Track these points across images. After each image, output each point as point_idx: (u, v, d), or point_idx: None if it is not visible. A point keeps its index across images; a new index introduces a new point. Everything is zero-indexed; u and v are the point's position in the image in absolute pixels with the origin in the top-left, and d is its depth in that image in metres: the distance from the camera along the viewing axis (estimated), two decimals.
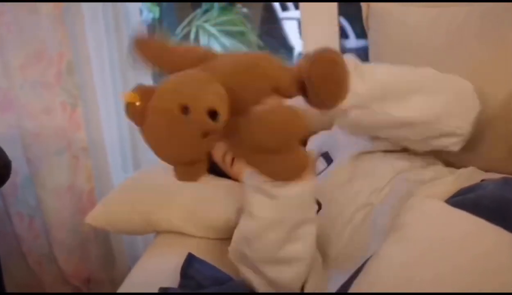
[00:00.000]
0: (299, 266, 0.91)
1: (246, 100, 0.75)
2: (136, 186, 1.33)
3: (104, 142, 1.75)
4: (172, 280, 1.00)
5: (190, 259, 1.01)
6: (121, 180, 1.71)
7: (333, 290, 0.87)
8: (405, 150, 1.07)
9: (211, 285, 0.95)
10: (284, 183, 0.82)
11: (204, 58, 0.79)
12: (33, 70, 1.63)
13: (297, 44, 3.29)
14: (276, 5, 3.23)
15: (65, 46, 1.63)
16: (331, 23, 1.62)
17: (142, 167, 1.83)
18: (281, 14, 3.27)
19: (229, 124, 0.71)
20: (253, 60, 0.78)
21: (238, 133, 0.75)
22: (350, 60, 0.86)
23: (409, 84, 0.93)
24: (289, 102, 0.79)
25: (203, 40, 3.11)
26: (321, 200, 1.02)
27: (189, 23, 3.12)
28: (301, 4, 1.66)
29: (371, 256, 0.73)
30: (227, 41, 3.10)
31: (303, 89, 0.81)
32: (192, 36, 3.10)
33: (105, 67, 1.74)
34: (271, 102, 0.77)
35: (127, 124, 1.83)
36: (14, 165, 1.39)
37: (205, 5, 3.14)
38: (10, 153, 1.41)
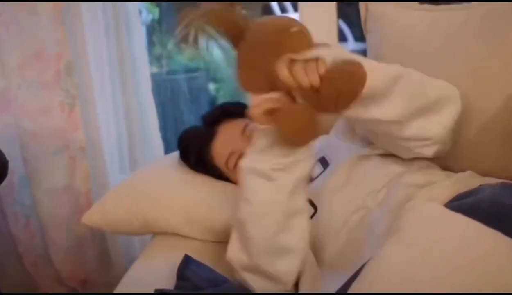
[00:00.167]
0: (292, 258, 0.93)
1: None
2: (133, 186, 1.32)
3: (102, 142, 1.75)
4: (168, 281, 0.99)
5: (187, 261, 1.01)
6: (118, 181, 1.70)
7: (329, 291, 0.88)
8: None
9: (207, 287, 0.95)
10: (283, 167, 0.89)
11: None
12: (31, 70, 1.63)
13: None
14: (275, 7, 3.23)
15: (64, 46, 1.62)
16: (330, 25, 1.62)
17: (139, 168, 1.83)
18: (279, 15, 3.27)
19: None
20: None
21: None
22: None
23: (399, 89, 0.93)
24: None
25: (202, 41, 3.10)
26: (317, 204, 1.02)
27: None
28: (299, 4, 1.66)
29: (369, 259, 0.73)
30: (226, 43, 3.10)
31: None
32: (191, 37, 3.10)
33: (104, 67, 1.74)
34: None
35: (124, 125, 1.83)
36: (11, 165, 1.39)
37: None
38: (7, 153, 1.40)
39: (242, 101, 1.33)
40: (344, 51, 0.94)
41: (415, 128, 0.97)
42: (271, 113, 0.86)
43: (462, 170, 1.03)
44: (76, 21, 1.65)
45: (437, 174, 1.04)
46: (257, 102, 0.87)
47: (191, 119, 2.76)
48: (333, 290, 0.87)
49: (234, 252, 0.97)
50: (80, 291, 1.85)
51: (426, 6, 1.28)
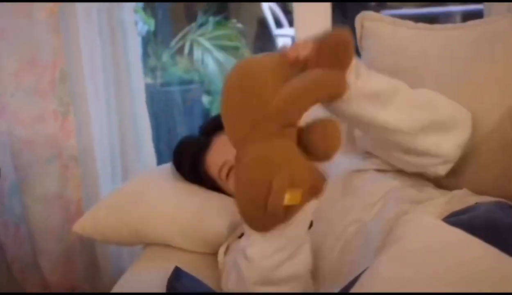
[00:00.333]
0: (293, 284, 0.91)
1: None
2: (125, 196, 1.32)
3: (94, 151, 1.74)
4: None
5: (177, 273, 1.00)
6: (109, 190, 1.69)
7: None
8: (397, 170, 1.08)
9: None
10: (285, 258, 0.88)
11: None
12: (26, 77, 1.63)
13: None
14: (271, 22, 3.25)
15: (59, 54, 1.62)
16: (324, 26, 1.64)
17: (130, 177, 1.82)
18: (275, 31, 3.29)
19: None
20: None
21: None
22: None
23: (403, 96, 0.95)
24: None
25: (197, 54, 3.12)
26: (312, 217, 1.02)
27: (184, 37, 3.13)
28: (294, 4, 1.68)
29: (365, 269, 0.73)
30: (221, 56, 3.11)
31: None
32: (186, 49, 3.11)
33: (98, 77, 1.74)
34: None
35: (117, 134, 1.83)
36: (2, 172, 1.38)
37: (200, 19, 3.15)
38: None
39: None
40: None
41: (429, 143, 0.97)
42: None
43: (457, 188, 1.04)
44: (72, 29, 1.65)
45: (432, 192, 1.05)
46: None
47: (184, 131, 2.77)
48: None
49: (233, 285, 0.95)
50: None
51: (420, 25, 1.29)
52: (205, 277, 1.03)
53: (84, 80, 1.69)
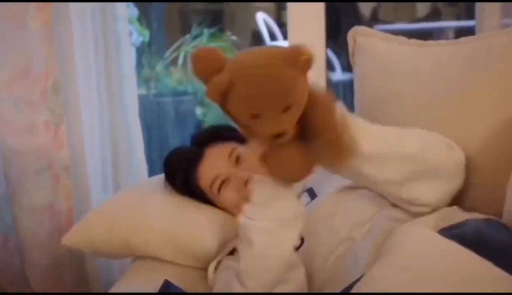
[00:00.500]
0: None
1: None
2: (116, 208, 1.31)
3: (86, 162, 1.73)
4: None
5: (167, 286, 1.00)
6: (100, 201, 1.68)
7: None
8: None
9: None
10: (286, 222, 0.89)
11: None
12: (18, 87, 1.62)
13: None
14: (265, 34, 3.27)
15: (52, 65, 1.62)
16: (318, 25, 1.66)
17: (122, 188, 1.82)
18: (269, 43, 3.31)
19: None
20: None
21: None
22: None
23: (393, 151, 0.95)
24: None
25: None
26: (303, 235, 1.02)
27: (178, 48, 3.14)
28: (288, 4, 1.69)
29: (360, 277, 0.74)
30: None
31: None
32: (180, 61, 3.12)
33: (91, 87, 1.74)
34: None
35: (109, 145, 1.82)
36: None
37: (195, 31, 3.16)
38: None
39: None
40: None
41: (413, 192, 0.97)
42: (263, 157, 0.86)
43: (447, 205, 1.04)
44: (66, 40, 1.65)
45: None
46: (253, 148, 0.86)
47: (176, 142, 2.76)
48: None
49: None
50: None
51: (413, 41, 1.30)
52: (194, 290, 1.03)
53: (78, 91, 1.68)
